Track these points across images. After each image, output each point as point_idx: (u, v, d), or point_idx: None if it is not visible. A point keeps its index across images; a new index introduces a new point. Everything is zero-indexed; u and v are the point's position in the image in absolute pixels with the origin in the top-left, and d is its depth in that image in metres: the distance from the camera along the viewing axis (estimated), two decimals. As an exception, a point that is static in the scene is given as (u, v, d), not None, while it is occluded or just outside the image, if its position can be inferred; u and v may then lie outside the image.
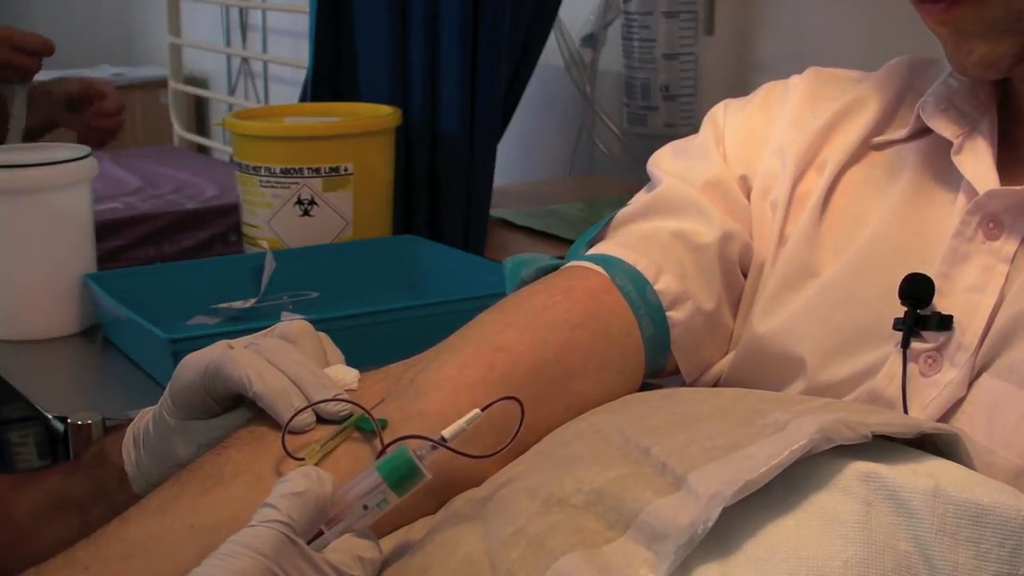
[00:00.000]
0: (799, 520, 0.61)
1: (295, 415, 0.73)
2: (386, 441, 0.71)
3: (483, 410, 0.69)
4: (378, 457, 0.69)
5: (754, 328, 0.88)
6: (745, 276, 0.90)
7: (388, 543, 0.72)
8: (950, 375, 0.78)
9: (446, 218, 1.84)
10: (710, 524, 0.60)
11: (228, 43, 3.28)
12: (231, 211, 1.78)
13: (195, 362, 0.76)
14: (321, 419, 0.75)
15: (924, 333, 0.79)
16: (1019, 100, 0.83)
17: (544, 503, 0.67)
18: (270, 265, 1.48)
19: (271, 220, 1.60)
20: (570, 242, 0.96)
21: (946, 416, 0.77)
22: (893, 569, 0.59)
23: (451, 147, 1.80)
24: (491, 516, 0.70)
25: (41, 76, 2.09)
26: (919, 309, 0.79)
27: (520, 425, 0.72)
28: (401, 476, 0.67)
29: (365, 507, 0.66)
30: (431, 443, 0.68)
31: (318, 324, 0.83)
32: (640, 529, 0.63)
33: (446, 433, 0.68)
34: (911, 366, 0.79)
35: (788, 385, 0.85)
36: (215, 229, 1.83)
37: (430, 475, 0.67)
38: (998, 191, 0.79)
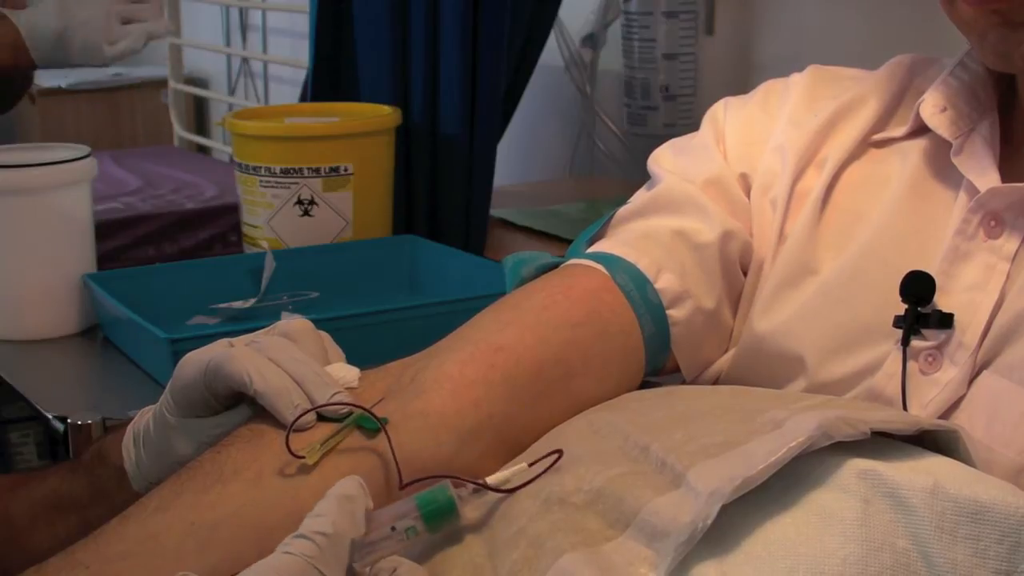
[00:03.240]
0: (797, 517, 0.61)
1: (299, 417, 0.73)
2: (372, 445, 0.72)
3: (531, 465, 0.70)
4: (407, 483, 0.70)
5: (754, 326, 0.88)
6: (745, 274, 0.90)
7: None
8: (950, 373, 0.78)
9: (446, 218, 1.84)
10: (709, 522, 0.60)
11: (228, 43, 3.28)
12: (231, 211, 1.78)
13: (196, 360, 0.76)
14: (322, 417, 0.75)
15: (924, 331, 0.79)
16: (1022, 97, 0.83)
17: (544, 502, 0.67)
18: (270, 265, 1.48)
19: (271, 220, 1.60)
20: (570, 242, 0.96)
21: (946, 414, 0.77)
22: (891, 566, 0.59)
23: (451, 147, 1.80)
24: (492, 517, 0.70)
25: (41, 78, 2.07)
26: (919, 307, 0.79)
27: (549, 467, 0.71)
28: (438, 513, 0.67)
29: (393, 528, 0.66)
30: (476, 484, 0.68)
31: (318, 324, 0.83)
32: (640, 528, 0.63)
33: (490, 480, 0.69)
34: (911, 364, 0.79)
35: (788, 383, 0.85)
36: (215, 229, 1.83)
37: (464, 519, 0.68)
38: (999, 189, 0.79)
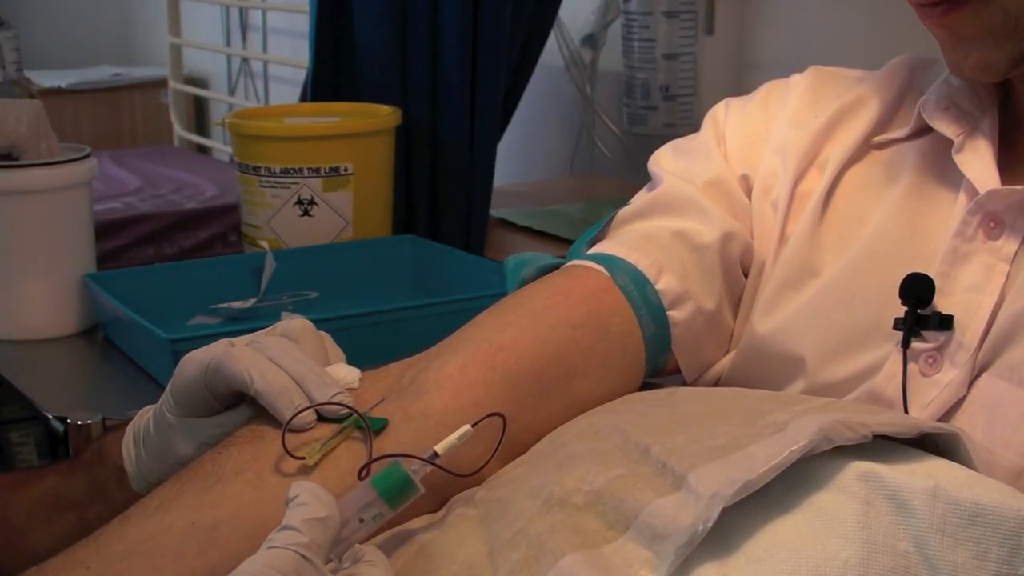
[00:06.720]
0: (798, 520, 0.61)
1: (295, 415, 0.73)
2: (377, 446, 0.72)
3: (473, 426, 0.71)
4: (362, 469, 0.70)
5: (755, 328, 0.88)
6: (746, 276, 0.90)
7: (389, 542, 0.72)
8: (950, 375, 0.78)
9: (446, 218, 1.84)
10: (710, 524, 0.60)
11: (228, 43, 3.28)
12: (231, 211, 1.79)
13: (197, 359, 0.77)
14: (322, 417, 0.75)
15: (924, 333, 0.79)
16: (1020, 101, 0.83)
17: (545, 503, 0.67)
18: (270, 265, 1.48)
19: (271, 220, 1.60)
20: (570, 242, 0.96)
21: (946, 416, 0.77)
22: (893, 569, 0.59)
23: (451, 147, 1.80)
24: (492, 517, 0.70)
25: (41, 78, 2.06)
26: (919, 309, 0.79)
27: (500, 440, 0.73)
28: (396, 491, 0.68)
29: (361, 520, 0.67)
30: (423, 460, 0.69)
31: (318, 324, 0.83)
32: (640, 529, 0.63)
33: (438, 448, 0.70)
34: (911, 366, 0.79)
35: (788, 385, 0.85)
36: (215, 229, 1.83)
37: (423, 489, 0.68)
38: (999, 191, 0.79)
